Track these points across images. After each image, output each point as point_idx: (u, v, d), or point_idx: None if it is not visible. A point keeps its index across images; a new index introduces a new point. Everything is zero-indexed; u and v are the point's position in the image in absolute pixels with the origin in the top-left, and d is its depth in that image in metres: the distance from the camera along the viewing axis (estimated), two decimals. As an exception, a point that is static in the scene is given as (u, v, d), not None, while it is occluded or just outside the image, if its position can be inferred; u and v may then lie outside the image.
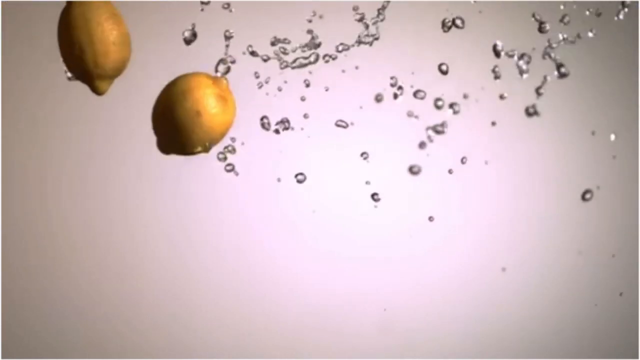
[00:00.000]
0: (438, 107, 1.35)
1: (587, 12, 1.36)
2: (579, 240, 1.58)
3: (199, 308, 1.55)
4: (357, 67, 1.35)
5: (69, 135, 1.51)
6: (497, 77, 1.23)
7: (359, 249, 1.54)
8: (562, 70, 1.30)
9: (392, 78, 1.33)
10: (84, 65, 1.11)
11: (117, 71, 1.13)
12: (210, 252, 1.55)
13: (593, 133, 1.54)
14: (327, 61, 1.27)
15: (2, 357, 1.47)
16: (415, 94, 1.34)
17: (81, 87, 1.12)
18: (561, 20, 1.36)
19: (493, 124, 1.46)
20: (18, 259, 1.47)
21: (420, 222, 1.49)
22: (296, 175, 1.39)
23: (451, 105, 1.37)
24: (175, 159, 1.15)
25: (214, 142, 1.14)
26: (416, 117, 1.40)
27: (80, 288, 1.49)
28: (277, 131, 1.33)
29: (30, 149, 1.50)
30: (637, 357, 1.51)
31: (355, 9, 1.29)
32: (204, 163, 1.23)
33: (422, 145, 1.43)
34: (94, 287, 1.49)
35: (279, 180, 1.47)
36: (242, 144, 1.33)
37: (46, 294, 1.48)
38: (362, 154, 1.39)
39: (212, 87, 1.13)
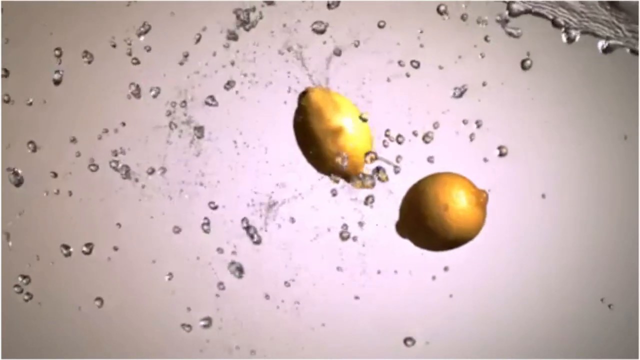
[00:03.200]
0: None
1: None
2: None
3: (196, 307, 1.56)
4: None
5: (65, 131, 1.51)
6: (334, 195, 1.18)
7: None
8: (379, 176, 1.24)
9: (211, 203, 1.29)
10: (337, 167, 1.17)
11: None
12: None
13: (434, 278, 1.48)
14: (136, 180, 1.24)
15: (2, 357, 1.50)
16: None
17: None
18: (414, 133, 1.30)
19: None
20: (18, 258, 1.50)
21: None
22: (95, 300, 1.36)
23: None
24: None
25: (449, 244, 1.18)
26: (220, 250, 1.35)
27: (81, 288, 1.51)
28: (86, 253, 1.31)
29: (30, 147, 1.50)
30: (637, 357, 1.48)
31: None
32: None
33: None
34: (95, 287, 1.51)
35: (79, 308, 1.44)
36: (52, 263, 1.32)
37: (46, 294, 1.51)
38: (168, 275, 1.36)
39: (471, 193, 1.16)
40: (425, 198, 1.16)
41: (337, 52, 1.31)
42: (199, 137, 1.33)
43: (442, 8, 1.32)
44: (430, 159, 1.34)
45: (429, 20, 1.31)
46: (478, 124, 1.32)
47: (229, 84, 1.30)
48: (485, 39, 1.34)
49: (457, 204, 1.14)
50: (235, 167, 1.37)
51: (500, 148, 1.31)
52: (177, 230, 1.34)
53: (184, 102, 1.35)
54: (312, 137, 1.17)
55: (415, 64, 1.33)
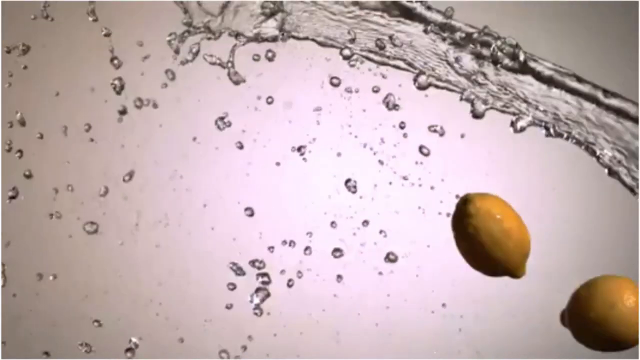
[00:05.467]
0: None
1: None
2: None
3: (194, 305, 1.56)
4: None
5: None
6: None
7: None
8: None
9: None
10: (509, 265, 1.20)
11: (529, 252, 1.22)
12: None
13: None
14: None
15: (2, 357, 1.53)
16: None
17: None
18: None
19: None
20: (18, 258, 1.51)
21: None
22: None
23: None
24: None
25: (609, 343, 1.19)
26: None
27: (81, 288, 1.52)
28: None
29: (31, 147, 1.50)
30: (637, 358, 1.41)
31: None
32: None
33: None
34: (95, 288, 1.52)
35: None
36: None
37: (47, 294, 1.52)
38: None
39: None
40: (594, 293, 1.18)
41: (240, 147, 1.27)
42: (93, 232, 1.28)
43: (335, 81, 1.24)
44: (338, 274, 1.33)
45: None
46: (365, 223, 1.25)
47: (129, 175, 1.23)
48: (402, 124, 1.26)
49: (624, 305, 1.16)
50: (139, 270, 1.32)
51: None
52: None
53: (71, 188, 1.29)
54: (483, 242, 1.17)
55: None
